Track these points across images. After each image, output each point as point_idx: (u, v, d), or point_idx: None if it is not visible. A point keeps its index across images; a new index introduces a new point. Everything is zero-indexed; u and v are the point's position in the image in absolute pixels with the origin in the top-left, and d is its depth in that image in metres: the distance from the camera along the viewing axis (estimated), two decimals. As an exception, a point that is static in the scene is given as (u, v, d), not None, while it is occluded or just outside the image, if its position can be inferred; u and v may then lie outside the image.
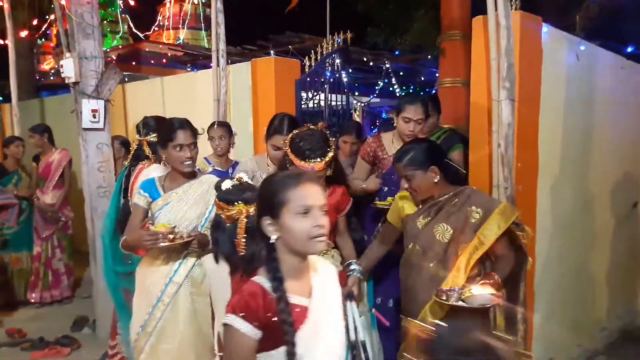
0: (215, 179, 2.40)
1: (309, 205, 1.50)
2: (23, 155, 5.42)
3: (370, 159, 3.36)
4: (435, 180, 2.39)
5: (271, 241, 1.54)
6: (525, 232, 2.44)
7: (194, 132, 2.71)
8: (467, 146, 3.45)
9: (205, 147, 3.99)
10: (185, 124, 2.68)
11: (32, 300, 5.23)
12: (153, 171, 3.12)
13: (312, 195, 1.53)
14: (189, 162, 2.64)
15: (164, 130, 2.70)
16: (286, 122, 3.08)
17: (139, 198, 2.70)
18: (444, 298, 2.15)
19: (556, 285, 3.61)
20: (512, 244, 2.41)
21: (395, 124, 3.25)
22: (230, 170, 4.05)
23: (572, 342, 3.91)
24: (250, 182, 2.23)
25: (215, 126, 3.97)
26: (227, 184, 2.17)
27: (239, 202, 2.06)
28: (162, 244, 2.44)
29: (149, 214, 2.71)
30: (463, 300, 2.10)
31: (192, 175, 2.75)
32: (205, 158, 4.01)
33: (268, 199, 1.55)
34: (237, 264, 2.01)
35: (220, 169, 4.00)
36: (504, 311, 2.45)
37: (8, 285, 5.26)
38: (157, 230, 2.47)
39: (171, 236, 2.45)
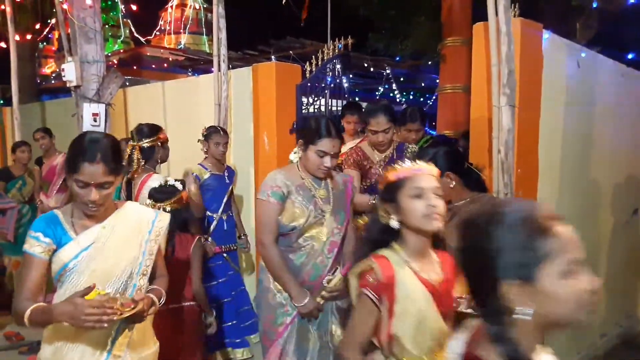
0: (140, 207, 2.07)
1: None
2: (29, 160, 5.44)
3: (359, 168, 3.28)
4: (451, 185, 2.37)
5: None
6: None
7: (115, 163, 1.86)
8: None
9: (181, 152, 4.03)
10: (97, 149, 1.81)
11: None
12: (155, 182, 3.08)
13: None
14: (94, 207, 1.84)
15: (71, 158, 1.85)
16: (332, 125, 2.57)
17: (33, 245, 1.83)
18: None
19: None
20: None
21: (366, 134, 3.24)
22: (225, 174, 4.07)
23: (572, 348, 3.91)
24: (175, 184, 3.01)
25: (222, 132, 4.05)
26: (155, 183, 2.94)
27: (165, 201, 2.91)
28: (111, 320, 1.68)
29: (51, 268, 1.89)
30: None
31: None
32: (200, 164, 4.02)
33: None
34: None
35: (218, 173, 4.02)
36: None
37: (5, 288, 5.25)
38: (99, 300, 1.67)
39: (118, 305, 1.70)
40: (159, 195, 2.95)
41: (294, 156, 2.62)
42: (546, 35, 3.42)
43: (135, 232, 1.95)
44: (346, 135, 4.35)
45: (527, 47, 3.26)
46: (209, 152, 4.03)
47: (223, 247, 3.96)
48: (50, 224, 1.86)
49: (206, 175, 3.95)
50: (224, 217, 4.01)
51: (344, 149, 4.22)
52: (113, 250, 1.88)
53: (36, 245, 1.83)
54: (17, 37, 6.65)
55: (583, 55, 3.84)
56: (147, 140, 3.35)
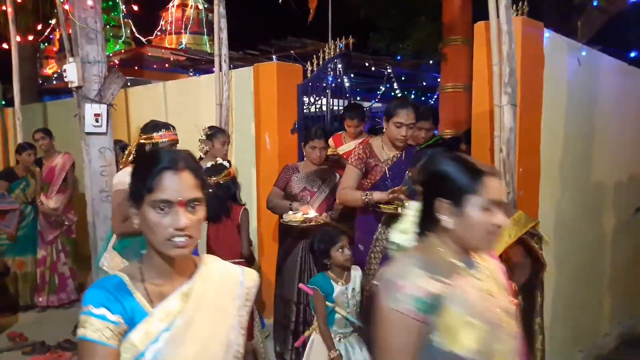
0: (221, 262, 1.48)
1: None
2: (34, 163, 5.46)
3: (362, 166, 3.15)
4: None
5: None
6: (542, 242, 2.45)
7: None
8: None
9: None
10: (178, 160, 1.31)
11: (40, 304, 5.25)
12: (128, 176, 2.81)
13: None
14: (182, 240, 1.27)
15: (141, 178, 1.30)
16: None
17: (98, 327, 1.22)
18: None
19: (556, 290, 3.61)
20: (529, 253, 2.41)
21: (384, 129, 3.14)
22: None
23: (574, 347, 3.91)
24: (223, 163, 3.45)
25: (225, 132, 4.07)
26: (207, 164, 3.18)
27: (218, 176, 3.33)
28: None
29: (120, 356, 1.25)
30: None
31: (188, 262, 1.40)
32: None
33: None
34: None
35: None
36: (521, 319, 2.44)
37: (8, 288, 5.26)
38: None
39: None
40: (213, 172, 3.38)
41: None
42: (547, 34, 3.42)
43: (225, 298, 1.39)
44: (348, 137, 4.37)
45: (528, 46, 3.26)
46: (211, 152, 4.02)
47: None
48: (116, 293, 1.26)
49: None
50: None
51: (345, 148, 4.24)
52: (201, 329, 1.31)
53: (102, 327, 1.22)
54: (19, 38, 6.66)
55: (584, 53, 3.84)
56: (143, 137, 3.02)
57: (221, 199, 3.35)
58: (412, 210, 1.79)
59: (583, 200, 3.97)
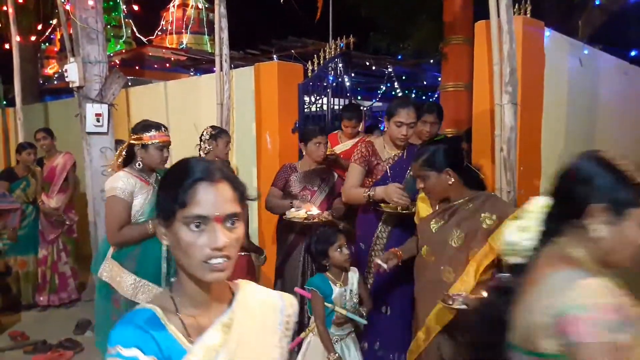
0: (258, 287, 1.31)
1: None
2: (34, 162, 5.46)
3: (365, 164, 3.15)
4: (450, 182, 2.34)
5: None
6: None
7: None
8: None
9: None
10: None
11: (41, 303, 5.26)
12: (119, 181, 2.71)
13: None
14: (219, 261, 1.09)
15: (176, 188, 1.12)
16: None
17: None
18: (450, 303, 2.15)
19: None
20: None
21: (385, 129, 3.15)
22: None
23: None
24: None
25: (227, 133, 4.08)
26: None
27: None
28: None
29: None
30: (467, 305, 2.11)
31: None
32: None
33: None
34: None
35: None
36: None
37: (10, 288, 5.27)
38: None
39: None
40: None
41: None
42: (548, 33, 3.43)
43: (266, 329, 1.24)
44: (344, 136, 4.37)
45: (529, 45, 3.26)
46: (214, 152, 4.01)
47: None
48: (148, 329, 1.09)
49: None
50: None
51: (341, 147, 4.24)
52: None
53: None
54: (19, 38, 6.66)
55: (585, 52, 3.84)
56: (133, 137, 2.81)
57: None
58: (535, 206, 1.60)
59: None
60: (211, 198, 1.08)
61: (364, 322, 2.79)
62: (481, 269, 2.25)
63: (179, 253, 1.10)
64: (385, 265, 2.55)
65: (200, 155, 4.10)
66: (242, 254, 3.46)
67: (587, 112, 3.93)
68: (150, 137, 2.77)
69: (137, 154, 2.79)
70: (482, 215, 2.29)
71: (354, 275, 2.85)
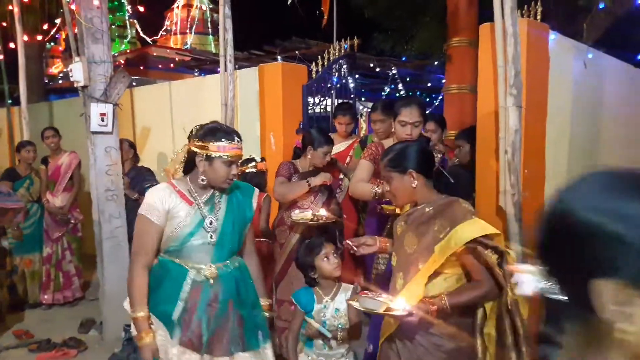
0: None
1: None
2: (35, 160, 5.48)
3: (375, 162, 3.13)
4: (413, 185, 2.15)
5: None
6: (505, 258, 2.02)
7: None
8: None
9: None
10: None
11: (45, 302, 5.28)
12: (156, 198, 2.22)
13: None
14: None
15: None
16: None
17: None
18: (355, 300, 2.11)
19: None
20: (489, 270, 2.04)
21: (393, 129, 3.13)
22: None
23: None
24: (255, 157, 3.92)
25: None
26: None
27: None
28: None
29: None
30: (358, 302, 2.08)
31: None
32: None
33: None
34: None
35: None
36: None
37: (15, 287, 5.29)
38: None
39: None
40: (244, 162, 3.71)
41: None
42: (553, 35, 3.42)
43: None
44: (338, 137, 4.30)
45: (534, 48, 3.26)
46: None
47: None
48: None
49: None
50: None
51: (335, 149, 4.23)
52: None
53: None
54: (25, 37, 6.69)
55: (590, 55, 3.84)
56: (196, 143, 2.22)
57: None
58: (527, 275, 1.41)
59: (588, 202, 3.95)
60: None
61: (330, 335, 2.55)
62: (425, 279, 2.04)
63: None
64: (355, 248, 2.38)
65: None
66: (262, 240, 3.67)
67: (592, 115, 3.92)
68: (219, 147, 2.15)
69: (197, 165, 2.20)
70: (436, 222, 2.09)
71: (345, 294, 2.61)
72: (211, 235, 2.23)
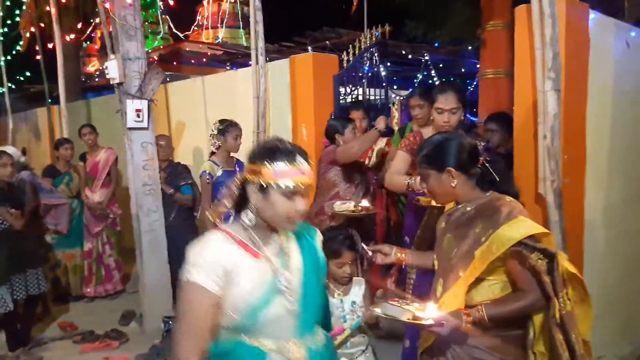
0: None
1: None
2: (73, 157, 5.63)
3: (412, 153, 3.04)
4: (452, 184, 1.93)
5: None
6: (554, 262, 1.76)
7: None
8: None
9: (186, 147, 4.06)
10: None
11: (88, 295, 5.44)
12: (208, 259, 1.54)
13: None
14: None
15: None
16: None
17: None
18: (378, 309, 1.90)
19: (605, 281, 3.49)
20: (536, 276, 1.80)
21: (432, 117, 3.03)
22: (236, 168, 4.02)
23: (623, 339, 3.78)
24: None
25: (237, 125, 4.08)
26: None
27: None
28: None
29: None
30: (380, 309, 1.89)
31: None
32: (211, 161, 4.03)
33: None
34: None
35: (229, 169, 4.02)
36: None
37: (59, 280, 5.47)
38: None
39: None
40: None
41: None
42: (592, 15, 3.29)
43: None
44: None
45: (573, 29, 3.14)
46: (224, 146, 4.01)
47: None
48: None
49: (219, 173, 3.96)
50: None
51: None
52: None
53: None
54: (67, 38, 6.86)
55: (632, 34, 3.68)
56: (250, 167, 1.60)
57: None
58: None
59: (631, 187, 3.81)
60: None
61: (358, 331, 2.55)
62: (466, 287, 1.85)
63: None
64: (370, 253, 2.23)
65: (212, 150, 4.11)
66: None
67: (634, 96, 3.77)
68: (276, 173, 1.52)
69: (249, 197, 1.56)
70: (478, 223, 1.88)
71: (359, 287, 2.62)
72: (291, 300, 1.57)
